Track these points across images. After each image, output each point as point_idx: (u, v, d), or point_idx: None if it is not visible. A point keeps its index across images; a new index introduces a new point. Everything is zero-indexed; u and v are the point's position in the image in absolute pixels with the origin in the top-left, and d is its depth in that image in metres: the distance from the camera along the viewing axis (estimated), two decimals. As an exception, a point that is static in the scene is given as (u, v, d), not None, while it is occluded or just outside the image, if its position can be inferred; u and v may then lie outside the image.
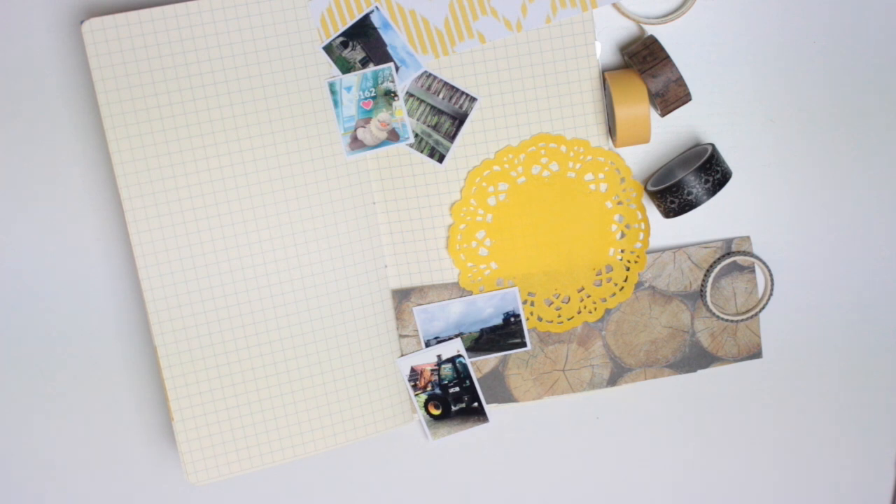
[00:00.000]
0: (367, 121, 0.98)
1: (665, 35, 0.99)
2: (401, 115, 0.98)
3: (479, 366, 1.03)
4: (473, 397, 1.03)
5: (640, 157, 1.01)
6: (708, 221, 1.02)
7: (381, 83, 0.97)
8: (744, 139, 1.01)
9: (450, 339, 1.02)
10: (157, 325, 0.97)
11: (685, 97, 0.94)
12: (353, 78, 0.97)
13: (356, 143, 0.98)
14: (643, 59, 0.94)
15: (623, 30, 0.98)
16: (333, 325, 0.99)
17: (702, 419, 1.06)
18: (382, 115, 0.98)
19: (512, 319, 1.02)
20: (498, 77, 0.97)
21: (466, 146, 0.99)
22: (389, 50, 0.97)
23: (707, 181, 0.95)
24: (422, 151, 0.99)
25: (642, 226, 1.00)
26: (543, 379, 1.03)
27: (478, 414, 1.04)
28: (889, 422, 1.07)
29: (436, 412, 1.03)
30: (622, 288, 1.01)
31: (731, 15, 0.99)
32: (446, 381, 1.03)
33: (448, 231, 1.00)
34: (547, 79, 0.97)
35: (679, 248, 1.02)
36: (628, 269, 1.01)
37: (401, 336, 1.02)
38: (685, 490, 1.08)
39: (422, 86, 0.98)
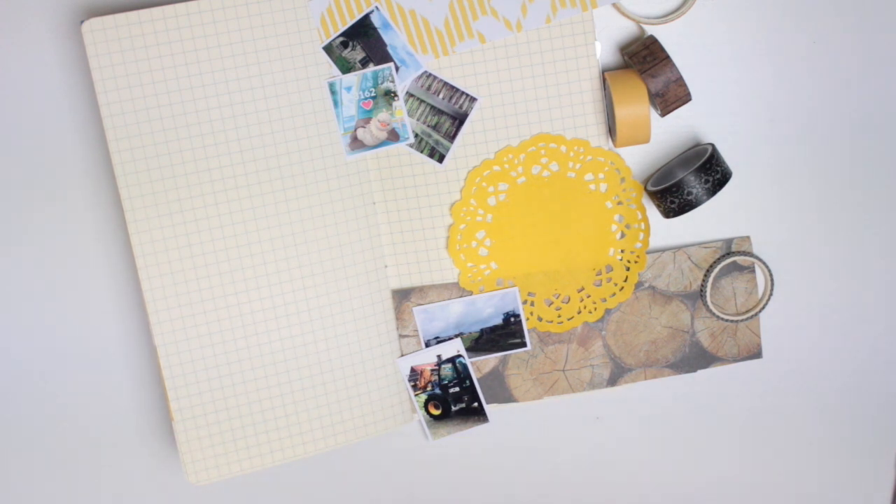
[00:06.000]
0: (367, 121, 0.98)
1: (665, 35, 0.99)
2: (401, 115, 0.98)
3: (479, 366, 1.03)
4: (473, 397, 1.03)
5: (640, 157, 1.01)
6: (708, 221, 1.02)
7: (381, 83, 0.97)
8: (744, 139, 1.01)
9: (450, 339, 1.02)
10: (157, 325, 0.97)
11: (685, 97, 0.94)
12: (353, 78, 0.97)
13: (356, 143, 0.98)
14: (643, 59, 0.94)
15: (623, 30, 0.98)
16: (333, 324, 0.99)
17: (702, 419, 1.06)
18: (382, 115, 0.98)
19: (512, 319, 1.02)
20: (498, 77, 0.97)
21: (466, 146, 0.99)
22: (389, 50, 0.97)
23: (707, 181, 0.95)
24: (422, 151, 0.99)
25: (642, 226, 1.00)
26: (543, 379, 1.03)
27: (478, 414, 1.04)
28: (889, 422, 1.07)
29: (436, 412, 1.03)
30: (622, 288, 1.01)
31: (732, 15, 0.99)
32: (446, 381, 1.03)
33: (448, 231, 1.00)
34: (547, 79, 0.97)
35: (679, 248, 1.02)
36: (628, 269, 1.01)
37: (401, 336, 1.02)
38: (685, 490, 1.08)
39: (422, 86, 0.98)
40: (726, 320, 1.02)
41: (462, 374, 1.03)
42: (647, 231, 1.00)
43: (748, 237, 1.02)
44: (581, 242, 1.00)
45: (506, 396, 1.04)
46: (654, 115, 1.00)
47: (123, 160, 0.94)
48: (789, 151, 1.01)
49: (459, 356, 1.02)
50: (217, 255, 0.97)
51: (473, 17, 0.96)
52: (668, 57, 0.93)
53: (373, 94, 0.97)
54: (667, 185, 0.96)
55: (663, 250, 1.02)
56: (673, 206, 0.96)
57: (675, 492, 1.08)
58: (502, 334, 1.02)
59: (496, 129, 0.98)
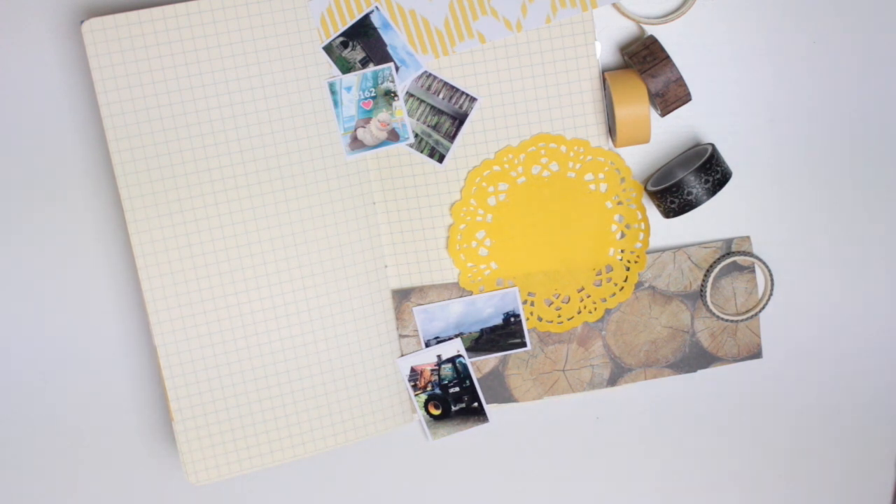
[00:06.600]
0: (367, 121, 0.98)
1: (665, 35, 0.99)
2: (401, 115, 0.98)
3: (479, 366, 1.03)
4: (473, 397, 1.03)
5: (640, 157, 1.01)
6: (708, 221, 1.02)
7: (381, 83, 0.97)
8: (744, 139, 1.01)
9: (450, 339, 1.02)
10: (157, 325, 0.97)
11: (685, 97, 0.94)
12: (353, 78, 0.97)
13: (356, 143, 0.98)
14: (643, 59, 0.94)
15: (623, 30, 0.98)
16: (333, 324, 0.99)
17: (702, 419, 1.06)
18: (382, 115, 0.98)
19: (512, 319, 1.02)
20: (498, 77, 0.97)
21: (466, 146, 0.99)
22: (389, 50, 0.97)
23: (707, 181, 0.95)
24: (422, 151, 0.99)
25: (642, 226, 1.00)
26: (543, 379, 1.03)
27: (478, 414, 1.04)
28: (889, 422, 1.07)
29: (436, 412, 1.03)
30: (622, 288, 1.01)
31: (732, 15, 0.99)
32: (446, 381, 1.03)
33: (448, 231, 1.00)
34: (547, 79, 0.97)
35: (679, 248, 1.02)
36: (628, 269, 1.01)
37: (401, 336, 1.02)
38: (685, 490, 1.08)
39: (422, 86, 0.98)
40: (726, 320, 1.02)
41: (462, 374, 1.03)
42: (647, 231, 1.00)
43: (748, 237, 1.02)
44: (581, 242, 1.00)
45: (506, 396, 1.04)
46: (654, 115, 1.00)
47: (123, 160, 0.94)
48: (789, 151, 1.01)
49: (459, 356, 1.02)
50: (217, 255, 0.97)
51: (473, 17, 0.96)
52: (668, 57, 0.93)
53: (373, 94, 0.97)
54: (667, 185, 0.96)
55: (663, 250, 1.02)
56: (673, 206, 0.96)
57: (675, 492, 1.08)
58: (502, 334, 1.02)
59: (496, 129, 0.98)
